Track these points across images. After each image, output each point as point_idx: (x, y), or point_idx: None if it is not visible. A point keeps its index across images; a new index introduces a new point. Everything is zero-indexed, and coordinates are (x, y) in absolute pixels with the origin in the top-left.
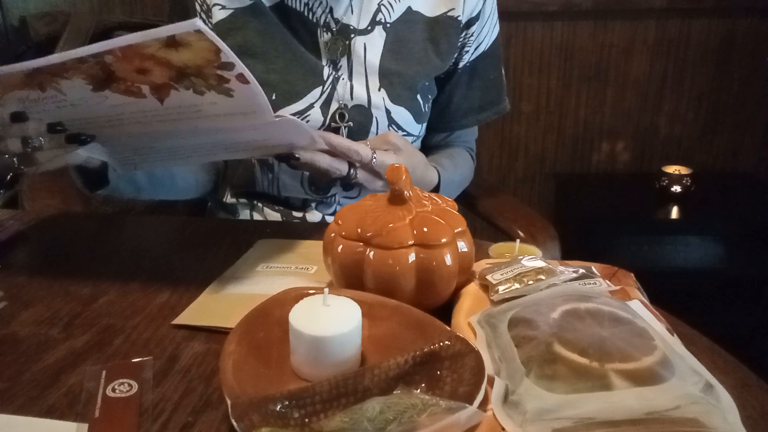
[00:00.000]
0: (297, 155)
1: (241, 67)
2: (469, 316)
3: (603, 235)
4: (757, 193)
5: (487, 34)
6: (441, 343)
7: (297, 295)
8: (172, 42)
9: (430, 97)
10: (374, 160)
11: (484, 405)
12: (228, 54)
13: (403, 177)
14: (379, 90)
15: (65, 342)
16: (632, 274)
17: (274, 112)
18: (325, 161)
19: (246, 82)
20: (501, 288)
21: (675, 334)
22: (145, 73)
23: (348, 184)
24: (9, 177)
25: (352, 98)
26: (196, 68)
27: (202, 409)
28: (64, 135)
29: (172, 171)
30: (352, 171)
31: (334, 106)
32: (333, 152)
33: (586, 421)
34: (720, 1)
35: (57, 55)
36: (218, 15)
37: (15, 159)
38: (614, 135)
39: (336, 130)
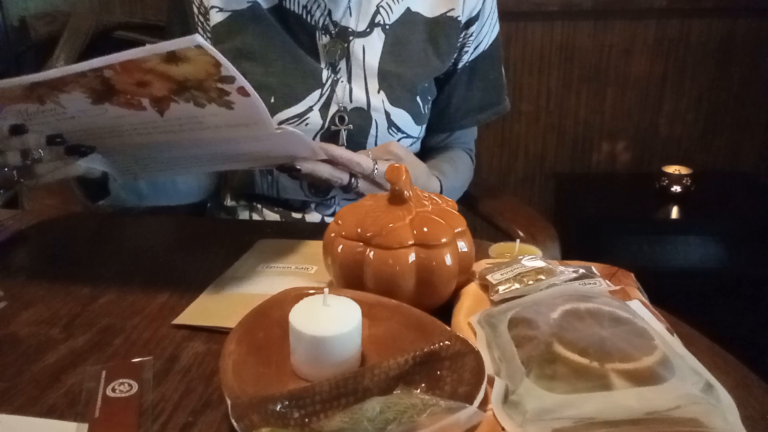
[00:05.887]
0: (298, 166)
1: (241, 80)
2: (469, 316)
3: (603, 235)
4: (757, 193)
5: (486, 34)
6: (441, 343)
7: (297, 295)
8: (172, 57)
9: (429, 98)
10: (376, 171)
11: (484, 405)
12: (228, 68)
13: (403, 177)
14: (379, 92)
15: (65, 342)
16: (632, 274)
17: (273, 115)
18: (326, 171)
19: (247, 94)
20: (501, 288)
21: (675, 334)
22: (144, 86)
23: (349, 192)
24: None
25: (351, 101)
26: (196, 82)
27: (202, 409)
28: (64, 147)
29: (173, 177)
30: (353, 181)
31: (333, 109)
32: (334, 162)
33: (586, 421)
34: (720, 1)
35: (56, 69)
36: (216, 18)
37: (14, 172)
38: (614, 135)
39: (336, 133)
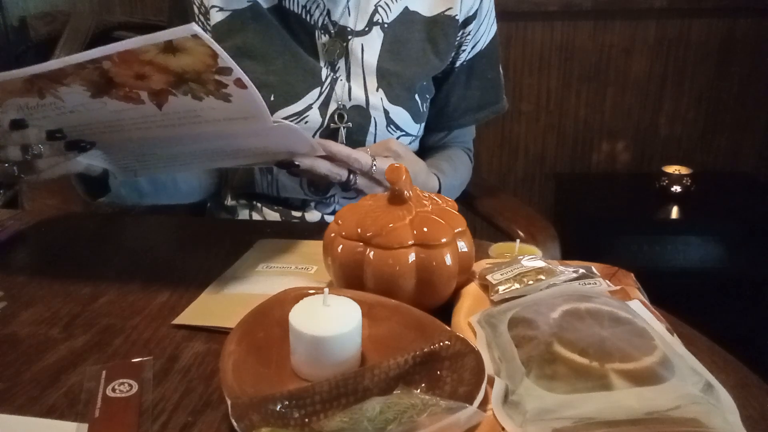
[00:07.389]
0: (297, 162)
1: (238, 72)
2: (469, 316)
3: (603, 235)
4: (757, 193)
5: (484, 33)
6: (441, 343)
7: (297, 295)
8: (169, 47)
9: (428, 96)
10: (374, 167)
11: (484, 405)
12: (225, 59)
13: (403, 177)
14: (377, 90)
15: (65, 342)
16: (632, 274)
17: (273, 113)
18: (324, 167)
19: (244, 86)
20: (501, 288)
21: (675, 334)
22: (143, 79)
23: (348, 189)
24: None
25: (350, 99)
26: (194, 73)
27: (202, 409)
28: (64, 142)
29: (174, 175)
30: (351, 177)
31: (332, 107)
32: (333, 159)
33: (586, 421)
34: (720, 1)
35: (56, 60)
36: (216, 17)
37: (15, 167)
38: (614, 135)
39: (335, 131)
